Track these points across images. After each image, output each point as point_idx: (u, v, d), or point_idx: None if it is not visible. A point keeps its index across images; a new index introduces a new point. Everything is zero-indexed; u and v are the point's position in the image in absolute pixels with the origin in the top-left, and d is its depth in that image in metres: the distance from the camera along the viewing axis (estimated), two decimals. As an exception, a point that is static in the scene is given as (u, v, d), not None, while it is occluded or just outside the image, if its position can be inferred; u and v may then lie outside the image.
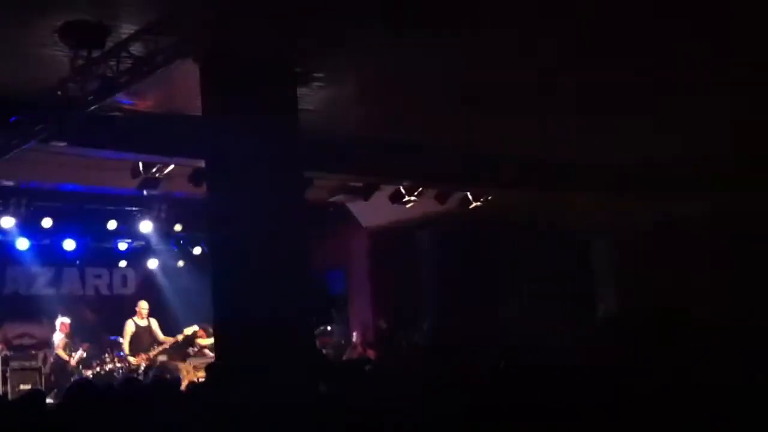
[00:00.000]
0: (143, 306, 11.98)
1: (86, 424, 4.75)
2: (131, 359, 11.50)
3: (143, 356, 11.51)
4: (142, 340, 11.71)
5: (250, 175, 5.89)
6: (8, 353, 12.01)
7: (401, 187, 12.49)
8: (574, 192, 13.56)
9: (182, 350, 12.20)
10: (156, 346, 11.72)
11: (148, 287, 14.25)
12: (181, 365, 11.79)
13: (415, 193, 12.54)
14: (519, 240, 15.43)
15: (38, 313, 12.43)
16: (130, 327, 11.78)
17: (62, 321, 11.99)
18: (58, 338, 11.95)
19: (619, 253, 15.92)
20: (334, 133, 10.58)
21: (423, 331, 13.17)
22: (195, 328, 12.08)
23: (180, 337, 11.94)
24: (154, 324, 11.93)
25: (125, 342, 11.62)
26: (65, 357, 11.74)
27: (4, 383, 11.68)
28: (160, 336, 11.88)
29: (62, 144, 8.61)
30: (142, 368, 11.37)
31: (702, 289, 13.68)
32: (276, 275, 5.73)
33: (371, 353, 12.90)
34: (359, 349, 13.39)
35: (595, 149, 11.77)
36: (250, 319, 5.58)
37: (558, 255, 15.41)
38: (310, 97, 8.26)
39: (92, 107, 7.63)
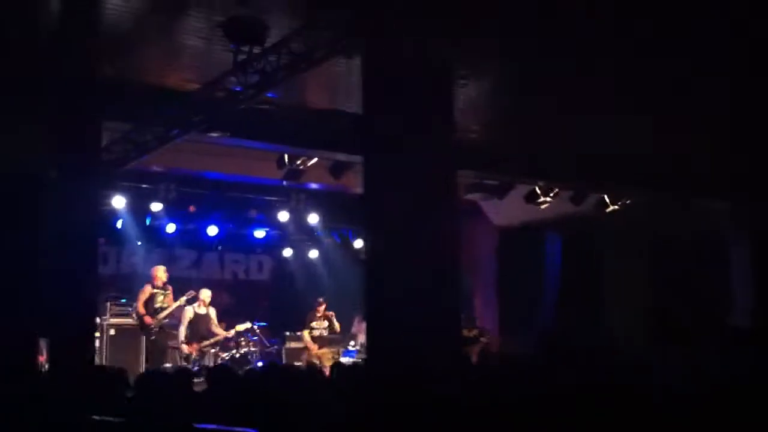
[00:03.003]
0: (206, 294, 11.66)
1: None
2: (184, 347, 11.34)
3: (195, 345, 11.37)
4: (199, 328, 11.51)
5: (406, 173, 5.97)
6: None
7: (537, 187, 12.40)
8: (713, 197, 13.13)
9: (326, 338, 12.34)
10: (209, 338, 11.53)
11: (281, 274, 14.68)
12: (318, 353, 12.09)
13: (551, 194, 12.41)
14: (653, 246, 14.97)
15: (178, 293, 12.86)
16: (188, 314, 11.51)
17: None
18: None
19: (758, 259, 15.21)
20: (471, 130, 10.61)
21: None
22: (248, 325, 11.84)
23: (232, 332, 11.69)
24: (213, 313, 11.70)
25: (182, 328, 11.43)
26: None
27: (147, 361, 12.21)
28: (215, 327, 11.66)
29: (218, 135, 8.96)
30: (194, 357, 11.30)
31: None
32: (428, 272, 5.80)
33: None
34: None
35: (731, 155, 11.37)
36: (401, 315, 5.68)
37: (693, 260, 14.87)
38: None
39: (250, 101, 7.96)
